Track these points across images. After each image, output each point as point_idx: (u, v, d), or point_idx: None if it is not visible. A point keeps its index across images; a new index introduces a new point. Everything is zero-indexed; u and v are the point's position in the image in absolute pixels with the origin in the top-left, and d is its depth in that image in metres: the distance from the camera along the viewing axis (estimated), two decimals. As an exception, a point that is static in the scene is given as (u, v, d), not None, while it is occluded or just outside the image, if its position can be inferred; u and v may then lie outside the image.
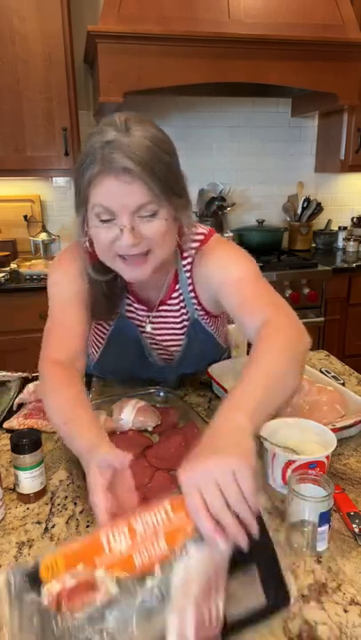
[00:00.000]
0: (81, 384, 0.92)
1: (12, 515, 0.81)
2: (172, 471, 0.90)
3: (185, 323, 1.09)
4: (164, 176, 0.84)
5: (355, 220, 3.21)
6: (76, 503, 0.84)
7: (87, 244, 0.94)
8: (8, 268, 2.49)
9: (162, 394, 1.16)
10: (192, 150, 2.91)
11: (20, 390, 1.20)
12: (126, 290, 1.07)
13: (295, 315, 0.90)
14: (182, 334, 1.11)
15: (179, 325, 1.09)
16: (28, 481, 0.83)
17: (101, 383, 1.28)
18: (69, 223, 2.93)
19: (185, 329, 1.10)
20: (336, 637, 0.60)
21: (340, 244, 3.14)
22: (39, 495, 0.85)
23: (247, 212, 3.09)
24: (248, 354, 0.90)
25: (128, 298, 1.08)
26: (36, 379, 1.26)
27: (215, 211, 2.86)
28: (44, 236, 2.67)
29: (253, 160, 3.04)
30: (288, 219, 3.12)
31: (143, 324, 1.10)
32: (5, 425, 1.07)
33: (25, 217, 2.70)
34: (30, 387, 1.19)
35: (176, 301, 1.07)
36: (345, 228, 3.15)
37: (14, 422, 1.07)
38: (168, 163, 0.86)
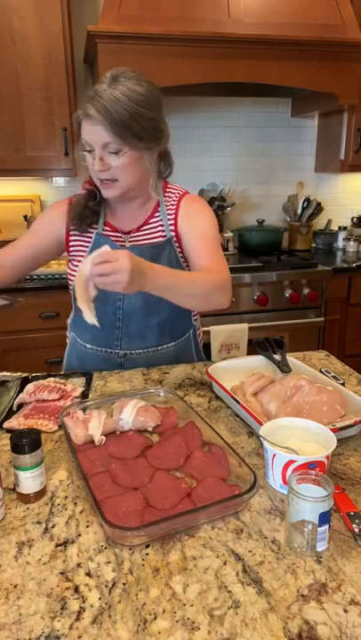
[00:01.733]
0: None
1: (12, 515, 0.81)
2: (172, 471, 0.90)
3: (161, 239, 1.31)
4: (124, 122, 1.09)
5: (355, 219, 3.21)
6: (76, 503, 0.84)
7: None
8: (8, 268, 2.49)
9: (162, 394, 1.16)
10: (192, 150, 2.91)
11: (20, 390, 1.20)
12: (104, 217, 1.33)
13: (229, 277, 1.22)
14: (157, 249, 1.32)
15: (154, 240, 1.31)
16: (28, 481, 0.83)
17: (102, 383, 1.29)
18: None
19: (160, 244, 1.31)
20: (336, 637, 0.60)
21: (341, 244, 3.14)
22: (39, 495, 0.85)
23: (247, 212, 3.09)
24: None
25: (104, 227, 1.32)
26: (35, 379, 1.26)
27: (215, 211, 2.86)
28: (43, 235, 2.66)
29: (253, 160, 3.04)
30: (288, 219, 3.12)
31: (123, 242, 1.31)
32: (5, 425, 1.07)
33: (25, 217, 2.70)
34: (30, 387, 1.19)
35: (156, 224, 1.32)
36: (345, 228, 3.15)
37: (14, 422, 1.07)
38: (134, 112, 1.10)
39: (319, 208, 3.05)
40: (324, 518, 0.71)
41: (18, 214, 2.70)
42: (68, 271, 1.36)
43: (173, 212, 1.32)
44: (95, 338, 1.36)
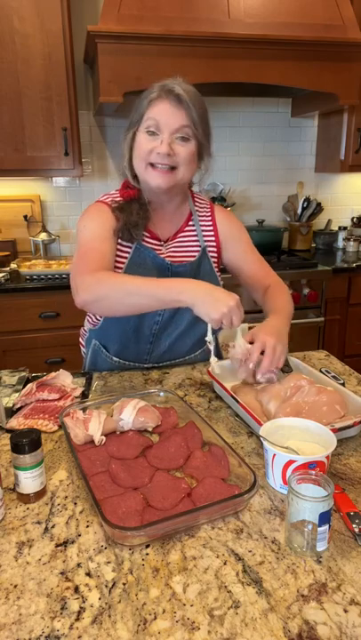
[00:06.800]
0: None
1: (12, 515, 0.81)
2: (172, 471, 0.90)
3: (196, 249, 1.34)
4: (199, 115, 1.17)
5: (355, 219, 3.21)
6: (76, 503, 0.84)
7: (127, 168, 1.24)
8: (8, 268, 2.49)
9: (162, 394, 1.16)
10: (192, 150, 2.90)
11: (20, 390, 1.20)
12: (145, 223, 1.27)
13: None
14: (193, 258, 1.33)
15: (190, 250, 1.33)
16: (28, 481, 0.83)
17: (102, 383, 1.29)
18: (68, 223, 2.93)
19: (196, 254, 1.33)
20: (336, 637, 0.60)
21: (340, 243, 3.14)
22: (39, 495, 0.85)
23: (247, 212, 3.09)
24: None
25: (145, 233, 1.28)
26: (35, 379, 1.26)
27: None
28: (43, 235, 2.67)
29: (253, 160, 3.04)
30: (288, 219, 3.12)
31: (161, 250, 1.30)
32: (5, 425, 1.07)
33: (25, 217, 2.70)
34: (31, 387, 1.19)
35: (191, 233, 1.35)
36: (345, 228, 3.15)
37: (14, 422, 1.07)
38: (204, 110, 1.19)
39: (319, 208, 3.05)
40: (325, 518, 0.71)
41: (18, 214, 2.71)
42: None
43: (210, 221, 1.37)
44: (124, 351, 1.36)
